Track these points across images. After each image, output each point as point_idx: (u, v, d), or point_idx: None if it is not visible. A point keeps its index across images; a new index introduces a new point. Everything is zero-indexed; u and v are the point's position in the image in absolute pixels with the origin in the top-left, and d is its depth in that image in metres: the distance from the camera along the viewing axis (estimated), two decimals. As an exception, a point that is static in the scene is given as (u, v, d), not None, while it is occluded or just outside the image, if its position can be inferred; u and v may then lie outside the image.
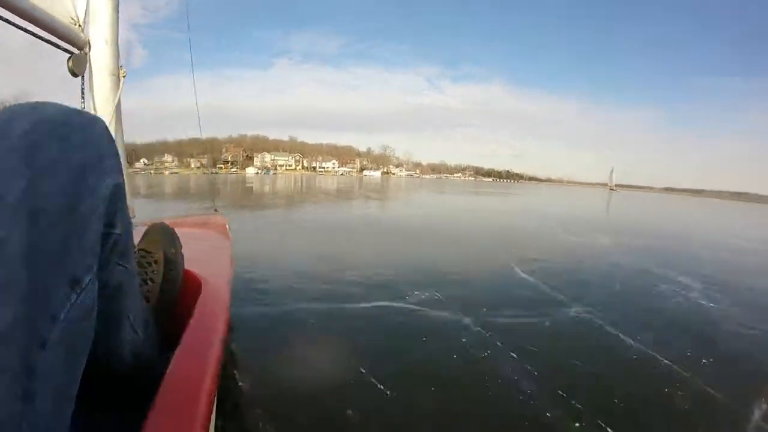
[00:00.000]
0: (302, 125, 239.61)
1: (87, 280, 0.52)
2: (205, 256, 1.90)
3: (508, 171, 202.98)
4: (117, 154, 0.59)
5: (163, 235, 1.33)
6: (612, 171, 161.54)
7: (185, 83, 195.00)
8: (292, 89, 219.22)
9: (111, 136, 0.59)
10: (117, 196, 0.59)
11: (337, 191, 32.29)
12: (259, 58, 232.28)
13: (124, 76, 1.98)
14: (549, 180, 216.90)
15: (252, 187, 37.02)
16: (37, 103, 0.53)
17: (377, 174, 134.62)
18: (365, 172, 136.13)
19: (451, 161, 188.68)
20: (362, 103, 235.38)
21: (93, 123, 0.57)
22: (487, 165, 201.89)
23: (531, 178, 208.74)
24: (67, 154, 0.50)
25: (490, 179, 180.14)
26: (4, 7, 1.29)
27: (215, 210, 4.90)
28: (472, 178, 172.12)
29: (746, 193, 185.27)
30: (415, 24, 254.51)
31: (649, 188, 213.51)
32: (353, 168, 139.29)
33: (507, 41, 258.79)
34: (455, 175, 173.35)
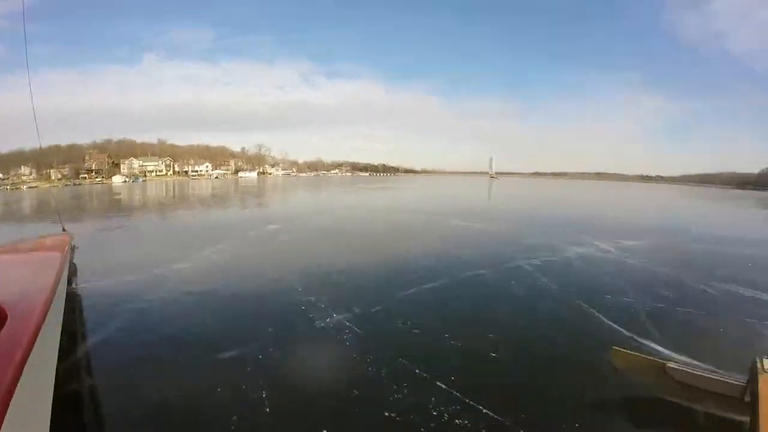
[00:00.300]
0: (173, 126, 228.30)
1: None
2: (22, 284, 2.04)
3: (384, 165, 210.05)
4: None
5: None
6: (492, 159, 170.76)
7: (41, 80, 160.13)
8: (160, 87, 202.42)
9: None
10: None
11: (212, 197, 33.67)
12: (123, 53, 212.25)
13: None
14: (425, 171, 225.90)
15: (120, 198, 36.35)
16: None
17: (253, 175, 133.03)
18: (241, 174, 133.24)
19: (328, 158, 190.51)
20: (235, 100, 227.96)
21: None
22: (363, 160, 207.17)
23: (407, 171, 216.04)
24: None
25: (367, 174, 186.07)
26: None
27: (63, 229, 4.97)
28: (350, 174, 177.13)
29: (606, 173, 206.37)
30: (286, 17, 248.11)
31: (521, 174, 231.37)
32: (228, 170, 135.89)
33: (377, 36, 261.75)
34: (332, 171, 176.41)
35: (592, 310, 6.23)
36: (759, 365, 2.94)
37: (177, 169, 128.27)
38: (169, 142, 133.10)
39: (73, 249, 4.65)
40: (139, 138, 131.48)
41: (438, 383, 4.00)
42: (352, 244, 12.26)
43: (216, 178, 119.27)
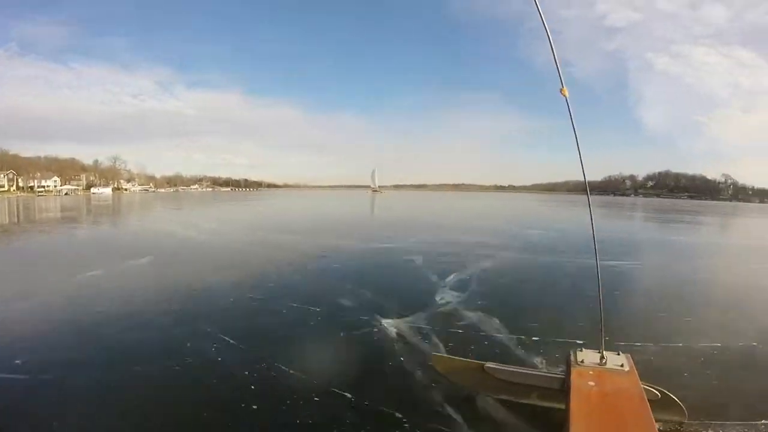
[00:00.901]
0: (15, 134, 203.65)
1: None
2: None
3: (246, 180, 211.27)
4: None
5: None
6: (374, 172, 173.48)
7: None
8: (5, 87, 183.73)
9: None
10: None
11: (62, 219, 30.64)
12: None
13: None
14: (287, 186, 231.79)
15: None
16: None
17: (108, 191, 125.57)
18: (93, 190, 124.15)
19: (187, 173, 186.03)
20: (88, 107, 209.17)
21: None
22: (225, 174, 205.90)
23: (270, 185, 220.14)
24: None
25: (229, 189, 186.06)
26: None
27: None
28: (210, 189, 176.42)
29: (464, 184, 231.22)
30: (144, 19, 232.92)
31: (382, 186, 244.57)
32: (79, 185, 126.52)
33: (239, 48, 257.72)
34: (192, 187, 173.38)
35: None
36: (572, 358, 3.31)
37: (21, 184, 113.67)
38: (12, 152, 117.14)
39: None
40: None
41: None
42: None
43: (66, 194, 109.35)
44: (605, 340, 3.41)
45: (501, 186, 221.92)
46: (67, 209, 44.59)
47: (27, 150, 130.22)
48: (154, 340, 6.15)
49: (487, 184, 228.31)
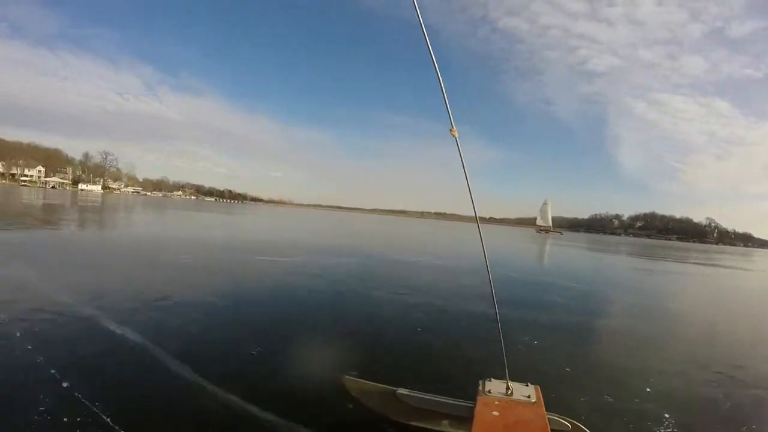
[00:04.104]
0: None
1: None
2: None
3: (230, 191, 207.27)
4: None
5: None
6: (546, 205, 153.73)
7: None
8: None
9: None
10: None
11: (58, 221, 22.24)
12: None
13: None
14: (271, 201, 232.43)
15: None
16: None
17: (97, 189, 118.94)
18: (81, 186, 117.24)
19: (171, 177, 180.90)
20: (72, 99, 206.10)
21: None
22: (203, 183, 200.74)
23: (253, 199, 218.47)
24: None
25: (213, 199, 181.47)
26: None
27: None
28: (194, 197, 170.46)
29: (444, 213, 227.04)
30: (134, 15, 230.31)
31: (360, 209, 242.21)
32: (65, 179, 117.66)
33: (224, 56, 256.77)
34: (176, 193, 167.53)
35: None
36: (480, 387, 3.35)
37: (2, 170, 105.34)
38: None
39: None
40: None
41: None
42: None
43: (53, 188, 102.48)
44: (509, 371, 3.46)
45: (482, 218, 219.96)
46: (60, 203, 40.71)
47: (7, 135, 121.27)
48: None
49: (467, 214, 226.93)
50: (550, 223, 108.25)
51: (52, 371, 4.17)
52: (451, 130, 3.21)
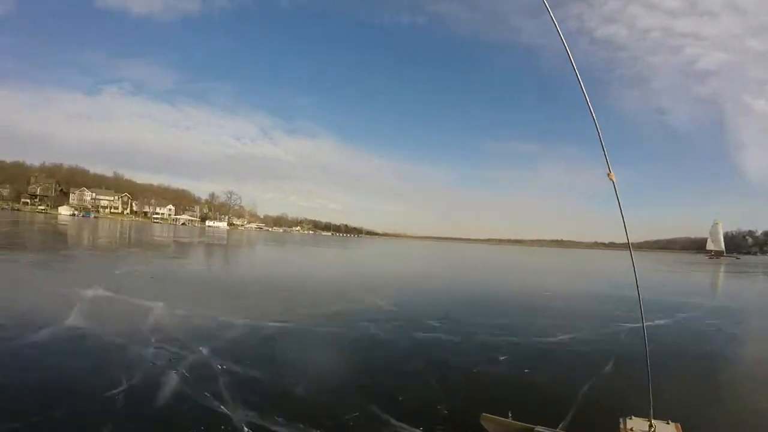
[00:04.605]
0: (129, 163, 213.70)
1: None
2: None
3: (346, 225, 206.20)
4: None
5: None
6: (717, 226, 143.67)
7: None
8: (120, 121, 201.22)
9: None
10: None
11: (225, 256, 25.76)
12: (86, 81, 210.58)
13: None
14: (386, 234, 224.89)
15: (65, 239, 29.37)
16: None
17: (223, 225, 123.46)
18: (209, 223, 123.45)
19: (290, 213, 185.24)
20: (193, 146, 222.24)
21: None
22: (320, 218, 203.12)
23: (368, 233, 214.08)
24: None
25: (329, 233, 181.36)
26: None
27: None
28: (312, 232, 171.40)
29: (562, 240, 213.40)
30: (249, 69, 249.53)
31: (476, 240, 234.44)
32: (193, 216, 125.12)
33: (336, 101, 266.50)
34: (295, 228, 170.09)
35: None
36: (621, 425, 3.34)
37: (135, 208, 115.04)
38: (126, 177, 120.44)
39: None
40: (93, 169, 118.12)
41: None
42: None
43: (183, 224, 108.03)
44: (654, 407, 3.43)
45: (601, 243, 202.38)
46: (200, 240, 41.55)
47: (139, 179, 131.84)
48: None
49: (586, 240, 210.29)
50: (723, 247, 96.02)
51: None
52: (608, 174, 3.21)
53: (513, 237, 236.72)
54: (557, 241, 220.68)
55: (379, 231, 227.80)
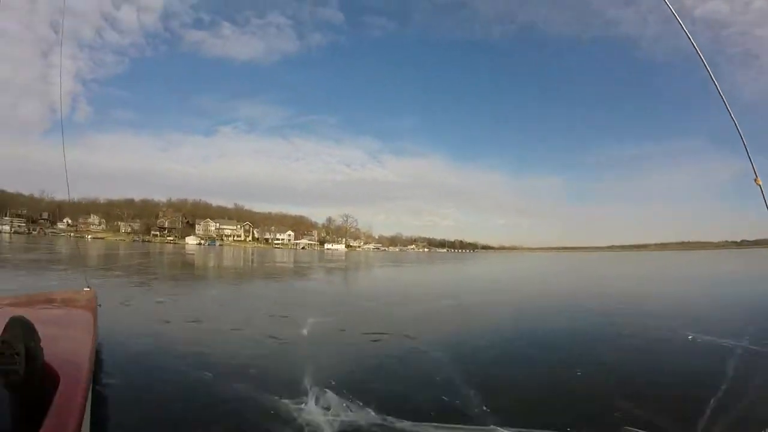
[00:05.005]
0: (247, 195, 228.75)
1: None
2: (64, 343, 1.86)
3: (461, 241, 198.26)
4: None
5: (24, 329, 1.37)
6: None
7: (125, 142, 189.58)
8: (236, 158, 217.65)
9: None
10: None
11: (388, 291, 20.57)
12: (203, 124, 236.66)
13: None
14: (502, 248, 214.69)
15: (195, 265, 30.88)
16: None
17: (341, 248, 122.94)
18: (327, 246, 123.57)
19: (403, 233, 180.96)
20: (304, 177, 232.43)
21: None
22: (432, 235, 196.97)
23: (484, 247, 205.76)
24: None
25: (444, 250, 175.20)
26: None
27: (87, 287, 4.91)
28: (426, 250, 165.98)
29: (688, 242, 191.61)
30: (351, 100, 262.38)
31: (594, 247, 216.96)
32: (312, 240, 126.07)
33: (440, 120, 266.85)
34: (410, 247, 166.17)
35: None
36: None
37: (257, 235, 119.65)
38: (246, 207, 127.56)
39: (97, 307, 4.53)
40: (215, 201, 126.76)
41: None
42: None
43: (303, 248, 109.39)
44: None
45: (732, 241, 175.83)
46: (332, 263, 40.03)
47: (258, 208, 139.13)
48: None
49: (714, 240, 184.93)
50: None
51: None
52: (755, 179, 2.84)
53: (635, 242, 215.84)
54: (682, 243, 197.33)
55: (495, 245, 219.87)
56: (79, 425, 1.17)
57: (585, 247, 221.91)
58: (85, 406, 1.38)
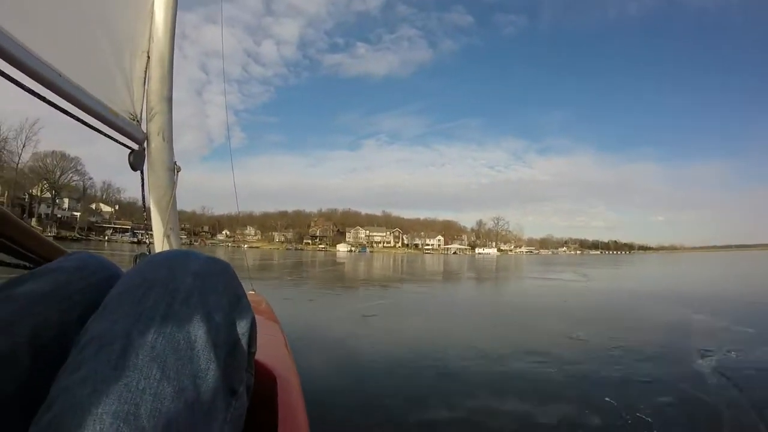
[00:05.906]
0: (393, 204, 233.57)
1: (240, 390, 0.65)
2: (263, 344, 1.25)
3: (615, 242, 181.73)
4: (245, 293, 0.73)
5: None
6: None
7: (277, 161, 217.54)
8: (381, 168, 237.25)
9: (238, 278, 0.73)
10: (253, 324, 0.72)
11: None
12: (347, 139, 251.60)
13: (178, 171, 1.92)
14: (661, 247, 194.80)
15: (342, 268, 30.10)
16: (181, 255, 0.66)
17: (493, 252, 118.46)
18: (478, 250, 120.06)
19: (554, 234, 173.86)
20: (451, 180, 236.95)
21: (226, 269, 0.70)
22: (584, 236, 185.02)
23: (641, 248, 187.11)
24: (220, 298, 0.64)
25: (598, 252, 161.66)
26: (71, 103, 1.34)
27: (252, 290, 3.61)
28: (578, 252, 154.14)
29: None
30: (491, 102, 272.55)
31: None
32: (462, 245, 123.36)
33: (586, 114, 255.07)
34: (561, 249, 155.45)
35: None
36: None
37: (406, 241, 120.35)
38: (394, 214, 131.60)
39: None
40: (363, 210, 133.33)
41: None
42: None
43: (454, 253, 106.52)
44: None
45: None
46: (492, 271, 33.57)
47: (405, 215, 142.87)
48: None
49: None
50: None
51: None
52: None
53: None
54: None
55: (653, 245, 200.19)
56: (307, 425, 1.04)
57: (758, 245, 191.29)
58: (304, 405, 1.23)
